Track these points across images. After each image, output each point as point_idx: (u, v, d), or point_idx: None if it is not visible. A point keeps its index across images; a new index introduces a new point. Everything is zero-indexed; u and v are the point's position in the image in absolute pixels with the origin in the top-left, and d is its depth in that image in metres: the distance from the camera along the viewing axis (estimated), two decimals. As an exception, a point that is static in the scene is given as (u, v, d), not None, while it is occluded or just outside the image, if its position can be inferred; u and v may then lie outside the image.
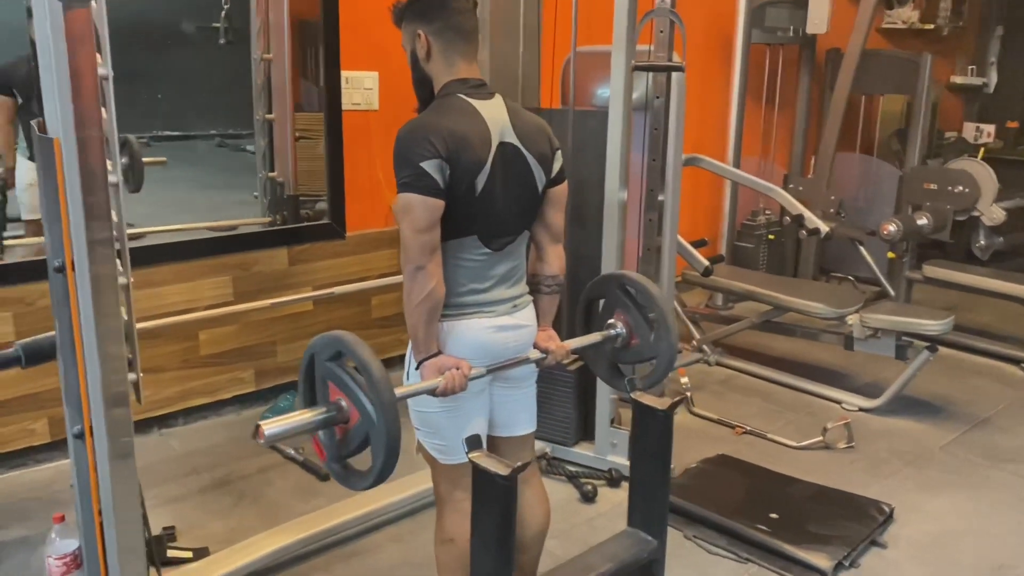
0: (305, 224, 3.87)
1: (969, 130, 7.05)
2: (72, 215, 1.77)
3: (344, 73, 3.77)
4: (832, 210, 5.18)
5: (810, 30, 5.21)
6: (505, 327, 2.07)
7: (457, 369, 1.96)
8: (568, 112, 3.15)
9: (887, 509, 2.98)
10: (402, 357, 4.16)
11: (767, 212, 5.62)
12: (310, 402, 1.86)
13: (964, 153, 5.66)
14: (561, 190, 2.15)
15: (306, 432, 1.75)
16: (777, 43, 5.46)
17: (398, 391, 1.80)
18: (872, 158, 5.84)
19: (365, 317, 4.06)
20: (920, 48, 6.13)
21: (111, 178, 1.82)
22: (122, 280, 1.97)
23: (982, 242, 5.40)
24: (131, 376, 2.13)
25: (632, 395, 2.09)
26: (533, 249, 2.19)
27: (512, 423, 2.24)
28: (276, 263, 3.73)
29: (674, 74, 3.12)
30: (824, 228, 4.61)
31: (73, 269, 1.82)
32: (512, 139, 2.02)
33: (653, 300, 2.21)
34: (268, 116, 4.07)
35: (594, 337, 2.26)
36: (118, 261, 1.90)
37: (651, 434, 2.08)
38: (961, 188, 5.11)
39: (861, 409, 3.86)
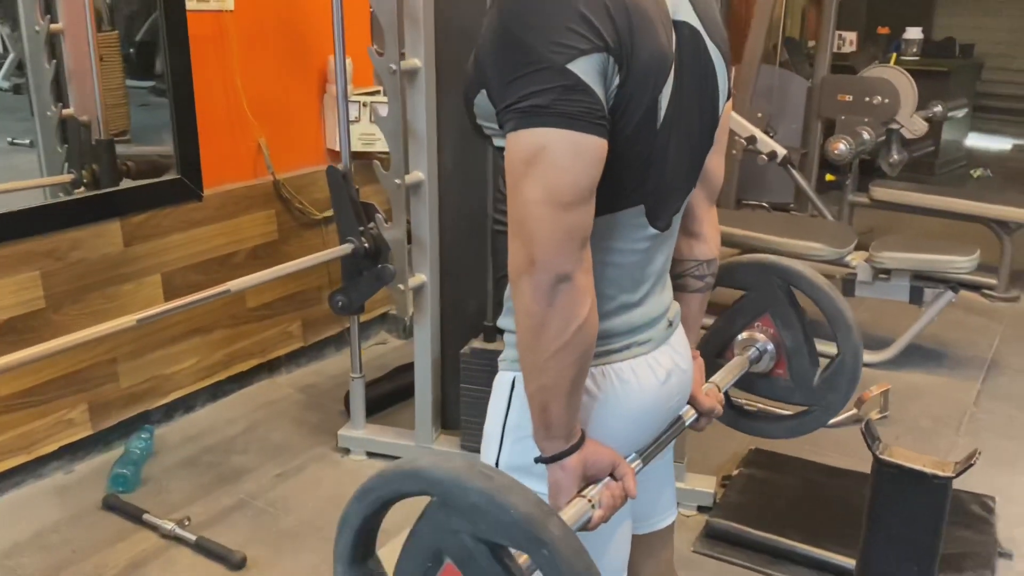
0: (144, 183, 2.64)
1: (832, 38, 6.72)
2: None
3: (183, -46, 2.54)
4: (761, 129, 4.53)
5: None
6: (671, 372, 1.16)
7: (613, 479, 1.04)
8: None
9: (991, 504, 2.38)
10: (292, 355, 3.08)
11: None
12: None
13: (873, 60, 5.22)
14: (729, 111, 1.22)
15: None
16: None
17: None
18: (776, 68, 5.26)
19: (238, 308, 2.92)
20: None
21: None
22: None
23: (895, 157, 4.95)
24: None
25: (878, 454, 1.26)
26: None
27: (653, 511, 1.35)
28: (106, 244, 2.50)
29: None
30: (781, 151, 3.99)
31: None
32: (690, 16, 1.06)
33: (838, 315, 1.39)
34: (53, 27, 2.74)
35: (740, 365, 1.41)
36: None
37: (911, 514, 1.27)
38: (880, 98, 4.64)
39: (865, 364, 3.25)
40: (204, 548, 2.20)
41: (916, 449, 2.62)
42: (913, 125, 4.73)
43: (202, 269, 2.74)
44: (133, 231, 2.56)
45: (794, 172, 4.33)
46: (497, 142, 1.03)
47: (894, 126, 4.71)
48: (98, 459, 2.57)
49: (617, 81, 0.94)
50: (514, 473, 1.09)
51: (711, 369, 1.37)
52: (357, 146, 3.03)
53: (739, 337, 1.48)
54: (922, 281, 3.14)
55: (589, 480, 1.04)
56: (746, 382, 1.49)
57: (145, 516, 2.30)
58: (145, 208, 2.58)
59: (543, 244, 0.92)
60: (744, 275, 1.42)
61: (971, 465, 1.32)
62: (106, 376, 2.56)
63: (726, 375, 1.38)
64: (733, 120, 3.91)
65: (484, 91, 0.98)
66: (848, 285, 3.25)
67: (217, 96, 2.72)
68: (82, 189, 2.70)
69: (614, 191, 1.01)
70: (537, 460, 1.04)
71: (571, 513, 0.99)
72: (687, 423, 1.24)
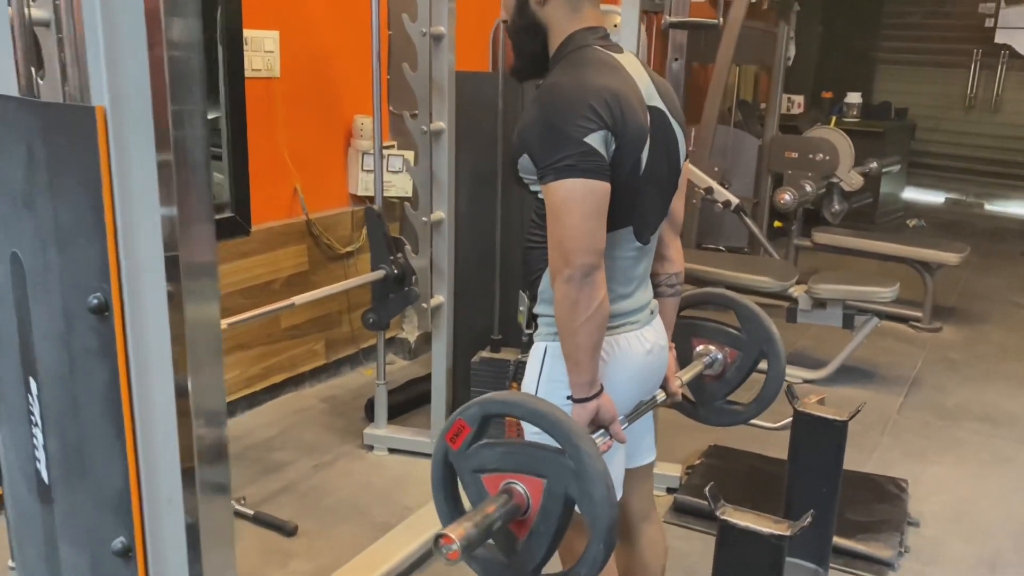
0: (205, 219, 3.13)
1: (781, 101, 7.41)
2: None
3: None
4: (717, 182, 5.14)
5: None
6: (653, 347, 1.69)
7: (609, 434, 1.56)
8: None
9: (904, 485, 2.92)
10: (315, 371, 3.56)
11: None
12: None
13: (816, 122, 5.89)
14: (687, 169, 1.78)
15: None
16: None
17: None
18: (730, 128, 5.91)
19: (273, 328, 3.41)
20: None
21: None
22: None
23: (836, 207, 5.61)
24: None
25: (797, 407, 1.79)
26: None
27: (638, 451, 1.87)
28: (174, 270, 2.98)
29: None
30: (735, 200, 4.57)
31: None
32: (658, 102, 1.62)
33: (767, 336, 1.88)
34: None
35: (697, 367, 1.92)
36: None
37: (820, 449, 1.80)
38: (822, 156, 5.28)
39: (806, 381, 3.83)
40: (262, 520, 2.66)
41: (847, 448, 3.17)
42: (850, 179, 5.39)
43: (247, 294, 3.22)
44: (195, 260, 3.04)
45: (747, 219, 4.92)
46: (533, 188, 1.57)
47: (834, 180, 5.37)
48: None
49: (614, 147, 1.48)
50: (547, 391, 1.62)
51: (680, 350, 1.89)
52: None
53: (698, 348, 1.98)
54: (852, 309, 3.72)
55: (597, 424, 1.55)
56: (710, 390, 1.99)
57: (209, 496, 2.75)
58: (205, 241, 3.07)
59: (576, 250, 1.45)
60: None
61: (858, 412, 1.85)
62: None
63: (687, 372, 1.89)
64: (693, 173, 4.51)
65: (526, 155, 1.51)
66: (791, 313, 3.83)
67: (264, 148, 3.23)
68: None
69: (614, 217, 1.54)
70: (569, 397, 1.55)
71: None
72: (659, 401, 1.76)
